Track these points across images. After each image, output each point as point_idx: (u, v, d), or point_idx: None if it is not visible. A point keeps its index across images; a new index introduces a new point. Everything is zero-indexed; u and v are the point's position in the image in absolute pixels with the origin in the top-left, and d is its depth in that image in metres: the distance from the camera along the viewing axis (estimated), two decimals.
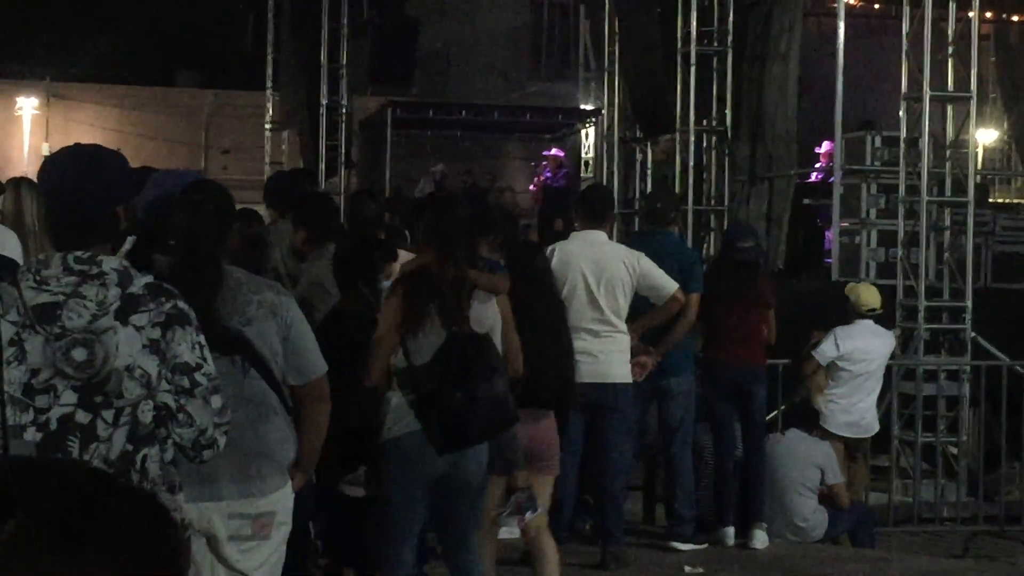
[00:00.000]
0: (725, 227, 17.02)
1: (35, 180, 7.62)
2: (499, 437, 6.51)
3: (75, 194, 4.10)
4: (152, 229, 4.89)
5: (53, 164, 4.23)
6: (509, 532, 7.85)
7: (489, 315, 6.58)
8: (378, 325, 6.34)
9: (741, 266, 10.13)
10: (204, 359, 4.10)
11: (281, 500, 4.96)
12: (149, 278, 4.11)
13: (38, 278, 3.99)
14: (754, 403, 10.15)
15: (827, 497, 10.74)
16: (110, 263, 4.02)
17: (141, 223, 5.05)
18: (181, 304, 4.09)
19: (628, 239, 12.88)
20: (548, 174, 24.02)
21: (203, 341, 4.12)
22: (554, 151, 24.60)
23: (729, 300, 9.96)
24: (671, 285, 8.98)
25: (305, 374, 5.04)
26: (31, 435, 3.95)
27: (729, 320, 9.98)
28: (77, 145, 4.31)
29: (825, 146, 18.90)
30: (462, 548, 6.46)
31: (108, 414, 3.97)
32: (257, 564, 4.89)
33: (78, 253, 4.00)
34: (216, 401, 4.12)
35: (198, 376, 4.07)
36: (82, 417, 3.96)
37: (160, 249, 4.85)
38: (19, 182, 7.41)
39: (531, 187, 25.18)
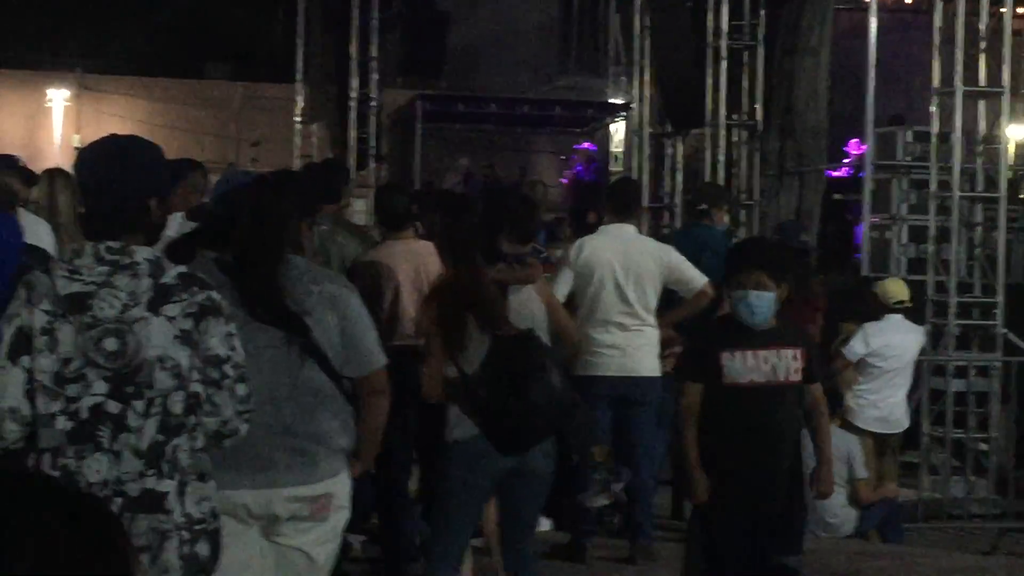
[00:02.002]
0: (755, 222, 16.98)
1: (67, 171, 7.67)
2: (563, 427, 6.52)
3: (108, 185, 4.11)
4: (221, 220, 4.94)
5: (88, 155, 4.25)
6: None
7: (530, 306, 6.59)
8: (425, 342, 6.36)
9: (797, 263, 10.06)
10: (233, 349, 4.12)
11: (338, 484, 4.99)
12: (182, 268, 4.13)
13: (70, 268, 4.00)
14: None
15: (855, 491, 10.72)
16: (142, 253, 4.04)
17: (212, 216, 5.09)
18: (214, 295, 4.10)
19: (659, 234, 12.86)
20: (579, 168, 24.03)
21: (233, 330, 4.14)
22: (585, 145, 24.60)
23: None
24: (700, 279, 8.96)
25: (363, 368, 5.06)
26: (61, 423, 3.97)
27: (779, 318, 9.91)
28: (113, 136, 4.33)
29: (854, 146, 18.83)
30: (521, 534, 6.52)
31: (139, 404, 3.99)
32: (313, 541, 4.94)
33: (110, 243, 4.02)
34: (241, 389, 4.14)
35: (227, 368, 4.09)
36: (113, 407, 3.97)
37: (213, 243, 4.89)
38: (53, 174, 7.45)
39: (562, 180, 25.18)
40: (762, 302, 6.48)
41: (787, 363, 6.53)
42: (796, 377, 6.55)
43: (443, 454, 6.33)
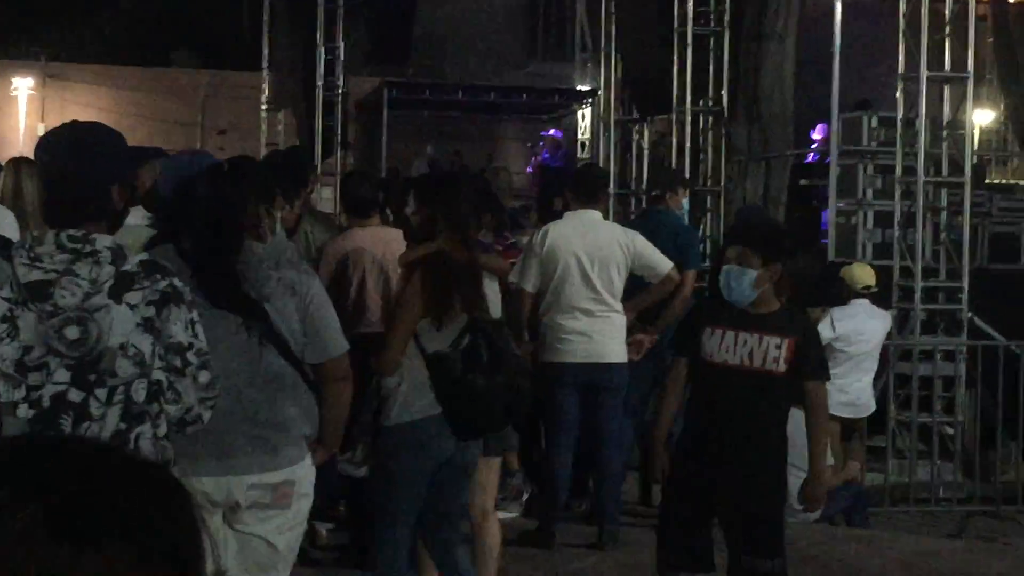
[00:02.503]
0: (721, 208, 17.00)
1: (33, 160, 7.64)
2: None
3: (67, 172, 4.09)
4: (176, 208, 4.91)
5: (47, 141, 4.23)
6: (505, 513, 7.86)
7: (493, 297, 6.58)
8: (398, 314, 6.24)
9: None
10: (196, 336, 4.10)
11: (300, 472, 4.98)
12: (144, 256, 4.11)
13: (31, 255, 3.98)
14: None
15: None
16: (103, 241, 4.01)
17: (166, 203, 5.07)
18: (176, 282, 4.08)
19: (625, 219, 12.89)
20: (546, 154, 24.03)
21: (195, 318, 4.12)
22: (552, 132, 24.59)
23: None
24: (665, 264, 8.97)
25: (324, 353, 5.04)
26: (23, 412, 3.95)
27: None
28: (74, 123, 4.30)
29: (819, 130, 18.87)
30: (445, 525, 6.43)
31: (101, 393, 3.97)
32: (275, 529, 4.92)
33: (71, 231, 4.00)
34: (204, 376, 4.12)
35: (189, 355, 4.08)
36: (75, 396, 3.96)
37: (172, 234, 4.87)
38: (19, 162, 7.41)
39: (528, 168, 25.17)
40: (738, 278, 6.31)
41: (767, 350, 6.30)
42: (778, 368, 6.31)
43: (385, 439, 6.22)
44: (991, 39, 25.12)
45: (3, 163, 8.05)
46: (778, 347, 6.30)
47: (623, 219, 15.54)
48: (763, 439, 6.42)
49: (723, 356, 6.33)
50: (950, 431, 13.20)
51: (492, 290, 6.64)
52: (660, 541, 6.62)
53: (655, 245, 9.08)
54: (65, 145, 4.15)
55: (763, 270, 6.31)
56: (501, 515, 7.75)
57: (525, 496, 9.48)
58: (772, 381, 6.34)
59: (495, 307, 6.54)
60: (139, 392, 4.01)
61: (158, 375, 4.03)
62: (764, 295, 6.37)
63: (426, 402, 6.09)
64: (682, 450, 6.57)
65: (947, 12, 13.86)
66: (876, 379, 11.90)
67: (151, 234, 5.03)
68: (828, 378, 6.75)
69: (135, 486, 1.49)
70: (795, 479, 10.62)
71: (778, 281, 6.39)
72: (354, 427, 6.37)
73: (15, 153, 10.53)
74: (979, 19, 14.95)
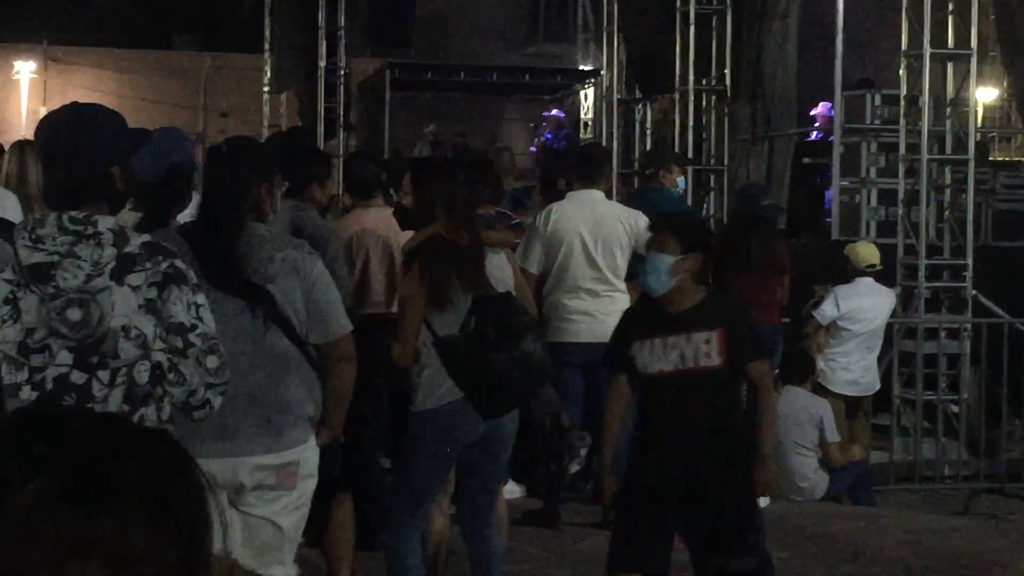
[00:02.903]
0: (725, 187, 16.99)
1: None
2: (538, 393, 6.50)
3: (67, 153, 4.08)
4: (164, 191, 4.91)
5: (47, 123, 4.21)
6: (509, 493, 7.85)
7: (503, 269, 6.57)
8: (403, 308, 6.20)
9: (761, 229, 10.03)
10: (200, 318, 4.09)
11: (305, 452, 4.98)
12: (146, 237, 4.10)
13: (33, 237, 3.97)
14: (770, 364, 10.11)
15: (825, 454, 10.75)
16: (105, 223, 4.01)
17: (150, 187, 5.06)
18: (178, 263, 4.07)
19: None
20: (548, 135, 23.96)
21: (201, 301, 4.11)
22: (554, 112, 24.54)
23: (749, 266, 9.89)
24: None
25: (328, 333, 5.04)
26: (27, 393, 3.95)
27: (748, 285, 9.91)
28: (74, 104, 4.29)
29: (821, 107, 18.85)
30: (480, 493, 6.46)
31: (104, 375, 3.97)
32: (280, 510, 4.92)
33: (73, 213, 3.99)
34: (212, 362, 4.10)
35: (192, 336, 4.06)
36: (77, 377, 3.95)
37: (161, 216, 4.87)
38: (24, 145, 7.41)
39: (531, 148, 25.12)
40: (654, 263, 6.06)
41: (697, 348, 6.04)
42: (712, 362, 6.04)
43: (411, 424, 6.24)
44: (994, 16, 25.03)
45: (6, 146, 8.05)
46: (707, 342, 6.04)
47: (626, 199, 15.52)
48: (721, 437, 6.13)
49: (657, 365, 6.09)
50: (955, 409, 13.19)
51: (498, 264, 6.63)
52: (614, 539, 6.35)
53: None
54: (65, 127, 4.14)
55: (681, 257, 6.01)
56: (507, 494, 7.76)
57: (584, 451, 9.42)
58: (713, 377, 6.08)
59: (500, 282, 6.52)
60: (141, 374, 4.00)
61: (159, 357, 4.02)
62: (682, 286, 6.06)
63: (447, 387, 6.07)
64: (639, 458, 6.38)
65: None
66: (880, 357, 11.90)
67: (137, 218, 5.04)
68: (765, 355, 6.56)
69: (141, 453, 1.51)
70: (801, 458, 10.67)
71: (700, 271, 6.09)
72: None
73: (18, 137, 10.52)
74: None
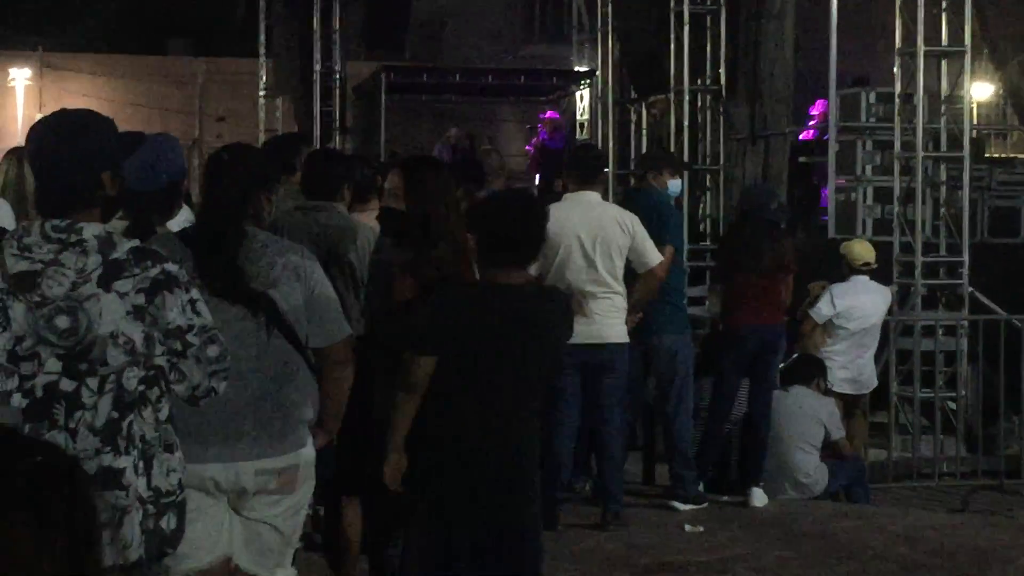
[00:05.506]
0: (721, 186, 16.97)
1: None
2: None
3: (56, 160, 4.07)
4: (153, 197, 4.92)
5: (36, 131, 4.20)
6: None
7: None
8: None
9: (767, 232, 10.02)
10: (197, 313, 4.09)
11: (304, 456, 5.00)
12: (135, 243, 4.10)
13: (21, 245, 3.98)
14: (772, 364, 10.13)
15: (835, 451, 10.74)
16: (91, 230, 4.00)
17: (135, 193, 5.06)
18: (169, 267, 4.07)
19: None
20: (544, 136, 23.96)
21: (195, 296, 4.11)
22: (550, 113, 24.53)
23: (757, 268, 9.88)
24: (655, 258, 8.95)
25: (328, 337, 5.05)
26: (17, 401, 3.95)
27: (753, 288, 9.90)
28: (63, 111, 4.28)
29: (818, 106, 18.85)
30: None
31: (93, 382, 3.97)
32: (282, 514, 4.94)
33: (56, 221, 3.99)
34: (212, 351, 4.11)
35: (190, 337, 4.06)
36: (67, 385, 3.95)
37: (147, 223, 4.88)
38: (21, 153, 7.41)
39: (527, 148, 25.12)
40: None
41: None
42: None
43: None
44: (988, 13, 25.05)
45: (1, 154, 8.05)
46: None
47: (622, 200, 15.52)
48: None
49: None
50: (952, 406, 13.20)
51: None
52: None
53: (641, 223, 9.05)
54: (53, 134, 4.13)
55: None
56: None
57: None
58: None
59: None
60: (130, 381, 4.00)
61: (159, 361, 4.03)
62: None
63: None
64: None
65: None
66: (877, 355, 11.90)
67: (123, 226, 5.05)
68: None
69: (28, 465, 1.61)
70: (804, 455, 10.66)
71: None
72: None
73: (14, 144, 10.50)
74: None
